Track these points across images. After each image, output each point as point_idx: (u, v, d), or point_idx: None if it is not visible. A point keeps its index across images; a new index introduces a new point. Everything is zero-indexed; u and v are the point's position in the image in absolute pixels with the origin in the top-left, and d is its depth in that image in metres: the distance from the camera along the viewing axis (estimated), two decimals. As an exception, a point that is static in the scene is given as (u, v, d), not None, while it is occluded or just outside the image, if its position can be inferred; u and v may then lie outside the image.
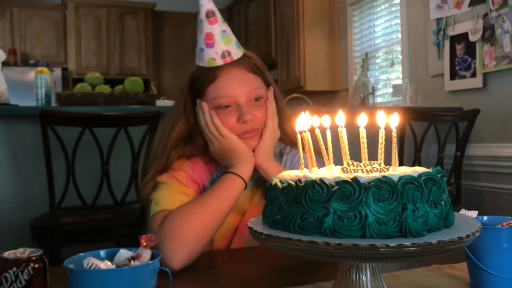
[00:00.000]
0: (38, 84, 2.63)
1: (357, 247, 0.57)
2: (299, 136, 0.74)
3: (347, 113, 0.71)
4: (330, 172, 0.67)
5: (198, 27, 1.12)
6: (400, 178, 0.61)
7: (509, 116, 2.85)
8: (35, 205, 2.19)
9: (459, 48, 3.14)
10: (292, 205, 0.64)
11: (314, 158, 0.72)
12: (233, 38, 1.12)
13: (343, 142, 0.69)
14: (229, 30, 1.12)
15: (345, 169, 0.66)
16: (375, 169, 0.65)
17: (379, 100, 4.02)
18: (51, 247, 2.00)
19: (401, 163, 2.30)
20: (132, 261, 0.65)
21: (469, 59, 3.07)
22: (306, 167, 0.73)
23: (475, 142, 2.99)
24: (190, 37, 6.83)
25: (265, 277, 0.96)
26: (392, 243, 0.57)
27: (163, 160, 1.14)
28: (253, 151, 1.13)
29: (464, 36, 3.09)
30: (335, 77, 4.66)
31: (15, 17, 6.06)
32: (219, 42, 1.10)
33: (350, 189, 0.60)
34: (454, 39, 3.18)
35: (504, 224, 0.80)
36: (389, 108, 2.99)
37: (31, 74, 5.57)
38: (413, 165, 2.58)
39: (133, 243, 2.23)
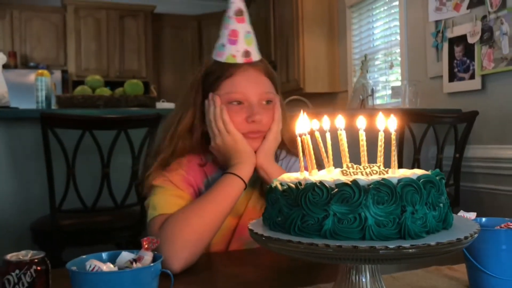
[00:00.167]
0: (39, 86, 2.64)
1: (357, 249, 0.58)
2: (298, 139, 0.74)
3: (346, 116, 0.72)
4: (330, 175, 0.68)
5: (224, 23, 1.14)
6: (399, 180, 0.61)
7: (507, 118, 2.86)
8: (36, 208, 2.19)
9: (458, 50, 3.16)
10: (292, 207, 0.65)
11: (314, 161, 0.73)
12: (254, 40, 1.15)
13: (342, 145, 0.70)
14: (252, 32, 1.15)
15: (344, 171, 0.67)
16: (374, 172, 0.66)
17: (378, 102, 4.03)
18: (51, 249, 2.00)
19: (400, 165, 2.31)
20: (134, 263, 0.65)
21: (468, 61, 3.08)
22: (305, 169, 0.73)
23: (474, 143, 3.00)
24: (190, 39, 6.85)
25: (265, 279, 0.96)
26: (391, 245, 0.58)
27: (170, 150, 1.14)
28: (255, 152, 1.14)
29: (462, 38, 3.10)
30: (334, 79, 4.67)
31: (15, 19, 6.07)
32: (242, 41, 1.12)
33: (349, 191, 0.61)
34: (453, 41, 3.19)
35: (502, 225, 0.81)
36: (388, 110, 3.00)
37: (31, 76, 5.58)
38: (412, 167, 2.59)
39: (133, 245, 2.23)
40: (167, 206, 1.07)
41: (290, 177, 0.70)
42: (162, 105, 3.20)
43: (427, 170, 0.69)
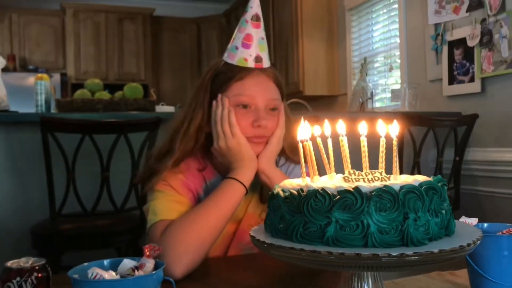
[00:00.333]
0: (38, 90, 2.64)
1: (360, 256, 0.58)
2: (300, 145, 0.74)
3: (347, 120, 0.72)
4: (332, 181, 0.68)
5: (240, 26, 1.15)
6: (402, 187, 0.61)
7: (507, 120, 2.86)
8: (35, 212, 2.19)
9: (457, 53, 3.16)
10: (295, 214, 0.65)
11: (316, 167, 0.73)
12: (267, 48, 1.17)
13: (344, 151, 0.70)
14: (265, 39, 1.16)
15: (346, 178, 0.67)
16: (376, 178, 0.66)
17: (377, 104, 4.04)
18: (51, 253, 2.00)
19: (400, 168, 2.31)
20: (136, 270, 0.65)
21: (467, 64, 3.08)
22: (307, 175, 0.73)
23: (474, 146, 3.00)
24: (188, 42, 6.85)
25: (266, 284, 0.96)
26: (394, 252, 0.58)
27: (182, 151, 1.13)
28: (257, 156, 1.13)
29: (462, 41, 3.11)
30: (334, 82, 4.67)
31: (14, 22, 6.07)
32: (256, 46, 1.13)
33: (352, 198, 0.61)
34: (452, 44, 3.20)
35: (504, 231, 0.81)
36: (388, 114, 3.00)
37: (30, 79, 5.58)
38: (412, 170, 2.59)
39: (133, 250, 2.22)
40: (168, 212, 1.07)
41: (292, 184, 0.70)
42: (161, 108, 3.20)
43: (427, 173, 0.69)
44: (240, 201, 1.09)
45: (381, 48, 4.14)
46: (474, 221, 0.80)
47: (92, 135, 1.98)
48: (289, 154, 1.22)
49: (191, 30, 6.88)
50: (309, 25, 4.63)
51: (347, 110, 4.01)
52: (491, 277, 0.78)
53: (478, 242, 0.64)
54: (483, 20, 2.95)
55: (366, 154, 0.69)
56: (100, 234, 2.11)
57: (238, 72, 1.13)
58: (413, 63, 3.65)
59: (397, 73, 3.89)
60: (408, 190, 0.61)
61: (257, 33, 1.14)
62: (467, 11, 3.08)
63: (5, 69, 4.51)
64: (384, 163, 0.68)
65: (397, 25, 3.84)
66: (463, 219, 0.80)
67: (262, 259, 1.08)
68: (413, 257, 0.58)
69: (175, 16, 6.82)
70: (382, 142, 0.68)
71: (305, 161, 0.74)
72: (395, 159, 0.68)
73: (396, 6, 3.87)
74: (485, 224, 0.85)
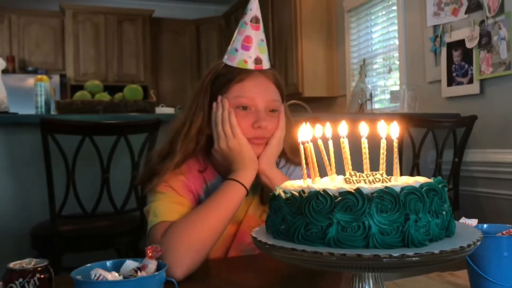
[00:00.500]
0: (38, 92, 2.64)
1: (361, 257, 0.58)
2: (301, 147, 0.75)
3: (346, 121, 0.72)
4: (333, 183, 0.68)
5: (239, 28, 1.16)
6: (402, 188, 0.62)
7: (506, 122, 2.87)
8: (35, 213, 2.19)
9: (456, 54, 3.17)
10: (296, 215, 0.65)
11: (317, 169, 0.73)
12: (266, 49, 1.18)
13: (345, 152, 0.70)
14: (265, 41, 1.17)
15: (347, 179, 0.67)
16: (377, 180, 0.66)
17: (377, 106, 4.04)
18: (51, 255, 2.00)
19: (399, 170, 2.31)
20: (138, 271, 0.65)
21: (466, 66, 3.09)
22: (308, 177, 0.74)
23: (473, 148, 3.01)
24: (188, 44, 6.86)
25: (268, 286, 0.97)
26: (395, 253, 0.58)
27: (183, 153, 1.14)
28: (257, 157, 1.14)
29: (461, 43, 3.12)
30: (333, 83, 4.68)
31: (13, 24, 6.07)
32: (256, 48, 1.14)
33: (353, 200, 0.61)
34: (451, 46, 3.20)
35: (504, 232, 0.81)
36: (387, 115, 3.00)
37: (29, 81, 5.58)
38: (412, 172, 2.60)
39: (133, 251, 2.22)
40: (169, 213, 1.07)
41: (293, 185, 0.70)
42: (161, 110, 3.21)
43: (426, 174, 0.70)
44: (241, 203, 1.10)
45: (380, 49, 4.15)
46: (474, 222, 0.81)
47: (92, 136, 1.99)
48: (290, 156, 1.22)
49: (190, 31, 6.89)
50: (308, 27, 4.64)
51: (346, 112, 4.02)
52: (491, 277, 0.79)
53: (479, 243, 0.64)
54: (482, 22, 2.96)
55: (367, 155, 0.70)
56: (100, 236, 2.11)
57: (238, 74, 1.14)
58: (412, 65, 3.65)
59: (396, 75, 3.90)
60: (409, 191, 0.62)
61: (257, 35, 1.15)
62: (465, 13, 3.09)
63: (4, 71, 4.51)
64: (384, 164, 0.68)
65: (396, 27, 3.85)
66: (463, 220, 0.80)
67: (263, 260, 1.09)
68: (414, 258, 0.58)
69: (175, 18, 6.82)
70: (383, 143, 0.68)
71: (306, 163, 0.74)
72: (396, 161, 0.69)
73: (395, 7, 3.88)
74: (485, 225, 0.85)
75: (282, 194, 0.69)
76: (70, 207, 2.01)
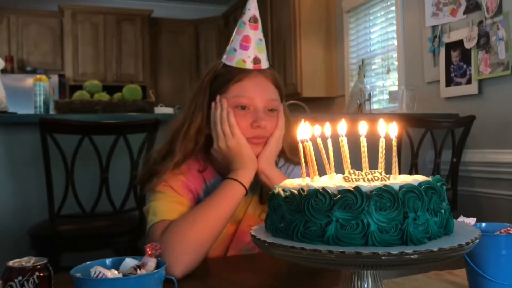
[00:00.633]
0: (37, 91, 2.64)
1: (360, 255, 0.58)
2: (300, 146, 0.75)
3: (345, 121, 0.73)
4: (332, 181, 0.69)
5: (238, 28, 1.16)
6: (401, 187, 0.62)
7: (504, 122, 2.87)
8: (34, 213, 2.19)
9: (455, 55, 3.17)
10: (295, 213, 0.65)
11: (316, 167, 0.73)
12: (265, 49, 1.18)
13: (344, 151, 0.70)
14: (263, 41, 1.17)
15: (346, 178, 0.68)
16: (376, 178, 0.66)
17: (375, 106, 4.05)
18: (50, 254, 1.99)
19: (398, 170, 2.32)
20: (138, 269, 0.65)
21: (465, 66, 3.10)
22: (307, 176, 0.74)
23: (471, 148, 3.01)
24: (187, 44, 6.86)
25: (265, 285, 0.97)
26: (394, 251, 0.59)
27: (182, 153, 1.14)
28: (257, 157, 1.14)
29: (459, 43, 3.12)
30: (331, 84, 4.69)
31: (12, 24, 6.07)
32: (254, 48, 1.14)
33: (352, 198, 0.61)
34: (450, 46, 3.21)
35: (502, 231, 0.81)
36: (386, 115, 3.01)
37: (28, 81, 5.58)
38: (410, 172, 2.60)
39: (132, 251, 2.22)
40: (168, 212, 1.07)
41: (292, 184, 0.71)
42: (160, 109, 3.21)
43: (425, 174, 0.70)
44: (240, 202, 1.10)
45: (378, 50, 4.15)
46: (472, 220, 0.81)
47: (91, 136, 1.99)
48: (289, 155, 1.22)
49: (189, 31, 6.89)
50: (307, 27, 4.64)
51: (345, 112, 4.02)
52: (489, 276, 0.79)
53: (477, 241, 0.64)
54: (480, 22, 2.96)
55: (366, 154, 0.70)
56: (99, 235, 2.11)
57: (236, 74, 1.14)
58: (410, 65, 3.66)
59: (394, 75, 3.91)
60: (408, 189, 0.62)
61: (255, 35, 1.15)
62: (464, 13, 3.10)
63: (3, 71, 4.51)
64: (383, 163, 0.69)
65: (394, 27, 3.86)
66: (462, 218, 0.81)
67: (262, 259, 1.09)
68: (412, 256, 0.58)
69: (174, 18, 6.83)
70: (382, 142, 0.69)
71: (305, 161, 0.74)
72: (394, 159, 0.69)
73: (393, 8, 3.88)
74: (483, 224, 0.86)
75: (281, 193, 0.69)
76: (69, 206, 2.01)
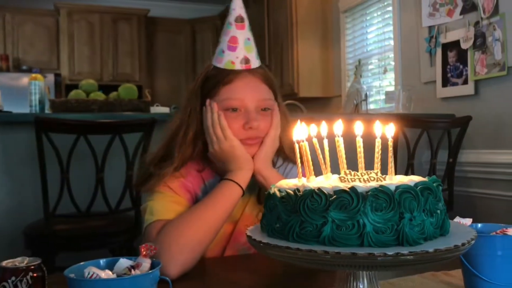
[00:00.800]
0: (32, 90, 2.63)
1: (356, 255, 0.58)
2: (296, 146, 0.75)
3: (342, 121, 0.72)
4: (328, 181, 0.68)
5: (224, 29, 1.15)
6: (397, 187, 0.62)
7: (500, 123, 2.88)
8: (29, 212, 2.18)
9: (451, 55, 3.18)
10: (291, 214, 0.65)
11: (312, 167, 0.73)
12: (254, 48, 1.16)
13: (340, 151, 0.70)
14: (252, 39, 1.15)
15: (342, 178, 0.67)
16: (372, 178, 0.66)
17: (372, 106, 4.05)
18: (44, 254, 1.99)
19: (394, 170, 2.32)
20: (132, 270, 0.65)
21: (461, 67, 3.10)
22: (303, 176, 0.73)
23: (467, 148, 3.02)
24: (183, 43, 6.85)
25: (262, 285, 0.97)
26: (390, 251, 0.58)
27: (180, 159, 1.13)
28: (252, 157, 1.14)
29: (456, 44, 3.13)
30: (328, 84, 4.69)
31: (7, 22, 6.04)
32: (242, 48, 1.13)
33: (348, 198, 0.61)
34: (446, 47, 3.22)
35: (498, 231, 0.81)
36: (382, 115, 3.01)
37: (23, 80, 5.55)
38: (406, 172, 2.60)
39: (127, 251, 2.22)
40: (165, 212, 1.07)
41: (288, 184, 0.70)
42: (156, 109, 3.20)
43: (421, 174, 0.70)
44: (237, 202, 1.10)
45: (375, 50, 4.15)
46: (468, 221, 0.81)
47: (87, 135, 1.98)
48: (289, 154, 1.21)
49: (186, 31, 6.88)
50: (303, 27, 4.64)
51: (342, 112, 4.02)
52: (485, 277, 0.79)
53: (473, 241, 0.64)
54: (477, 23, 2.97)
55: (362, 154, 0.70)
56: (94, 235, 2.11)
57: (226, 76, 1.13)
58: (407, 65, 3.66)
59: (391, 75, 3.91)
60: (404, 190, 0.62)
61: (242, 35, 1.13)
62: (460, 14, 3.10)
63: (-2, 69, 4.49)
64: (379, 163, 0.68)
65: (391, 27, 3.86)
66: (458, 219, 0.81)
67: (259, 259, 1.09)
68: (408, 257, 0.58)
69: (170, 17, 6.81)
70: (378, 143, 0.68)
71: (301, 162, 0.74)
72: (390, 160, 0.69)
73: (390, 8, 3.89)
74: (479, 225, 0.85)
75: (277, 193, 0.69)
76: (64, 206, 2.00)
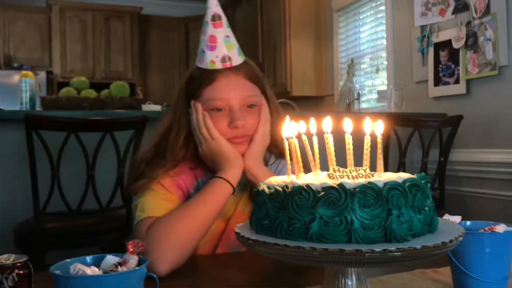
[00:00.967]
0: (23, 88, 2.61)
1: (343, 252, 0.58)
2: (286, 143, 0.74)
3: (333, 119, 0.72)
4: (317, 178, 0.68)
5: (202, 29, 1.13)
6: (385, 184, 0.62)
7: (491, 122, 2.90)
8: (19, 210, 2.16)
9: (443, 55, 3.19)
10: (279, 210, 0.65)
11: (301, 164, 0.73)
12: (235, 44, 1.14)
13: (329, 148, 0.70)
14: (232, 36, 1.14)
15: (331, 175, 0.67)
16: (360, 175, 0.66)
17: (364, 105, 4.06)
18: (35, 252, 1.97)
19: (386, 168, 2.32)
20: (119, 267, 0.64)
21: (453, 66, 3.12)
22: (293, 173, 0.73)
23: (459, 147, 3.03)
24: (176, 42, 6.83)
25: (252, 282, 0.96)
26: (377, 248, 0.58)
27: (173, 162, 1.13)
28: (242, 155, 1.13)
29: (448, 43, 3.14)
30: (321, 83, 4.69)
31: (-2, 19, 6.00)
32: (221, 46, 1.11)
33: (336, 195, 0.61)
34: (438, 46, 3.23)
35: (486, 229, 0.82)
36: (374, 114, 3.02)
37: (14, 77, 5.51)
38: (398, 170, 2.61)
39: (118, 249, 2.22)
40: (156, 209, 1.06)
41: (277, 181, 0.70)
42: (148, 107, 3.19)
43: (412, 173, 0.70)
44: (227, 200, 1.09)
45: (368, 49, 4.16)
46: (457, 218, 0.81)
47: (78, 133, 1.96)
48: (282, 151, 1.20)
49: (179, 29, 6.86)
50: (297, 26, 4.65)
51: (334, 111, 4.03)
52: (473, 274, 0.79)
53: (461, 238, 0.64)
54: (468, 22, 2.98)
55: (351, 151, 0.70)
56: (85, 233, 2.10)
57: (208, 76, 1.12)
58: (399, 65, 3.67)
59: (383, 75, 3.92)
60: (392, 186, 0.61)
61: (220, 33, 1.12)
62: (452, 14, 3.12)
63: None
64: (368, 160, 0.68)
65: (384, 27, 3.87)
66: (447, 216, 0.81)
67: (250, 257, 1.08)
68: (396, 253, 0.58)
69: (163, 15, 6.79)
70: (367, 139, 0.68)
71: (291, 159, 0.74)
72: (380, 156, 0.69)
73: (383, 7, 3.89)
74: (468, 222, 0.86)
75: (266, 190, 0.69)
76: (55, 204, 1.99)
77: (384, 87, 3.75)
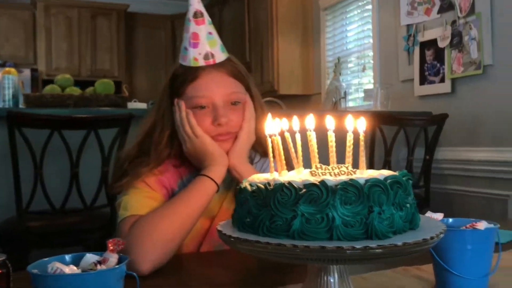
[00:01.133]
0: (5, 85, 2.58)
1: (324, 249, 0.58)
2: (269, 140, 0.74)
3: (317, 117, 0.72)
4: (299, 176, 0.68)
5: (185, 26, 1.13)
6: (367, 181, 0.62)
7: (476, 120, 2.92)
8: (2, 209, 2.13)
9: (429, 54, 3.21)
10: (261, 208, 0.65)
11: (284, 162, 0.73)
12: (218, 41, 1.13)
13: (312, 145, 0.70)
14: (215, 33, 1.13)
15: (313, 172, 0.67)
16: (342, 172, 0.66)
17: (350, 104, 4.08)
18: (18, 251, 1.95)
19: (371, 166, 2.33)
20: (98, 265, 0.63)
21: (438, 65, 3.14)
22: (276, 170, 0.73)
23: (444, 146, 3.05)
24: (163, 39, 6.79)
25: (236, 281, 0.96)
26: (358, 245, 0.58)
27: (158, 161, 1.12)
28: (227, 153, 1.13)
29: (433, 42, 3.17)
30: (308, 81, 4.70)
31: (-18, 16, 5.91)
32: (204, 43, 1.11)
33: (317, 192, 0.61)
34: (424, 45, 3.25)
35: (468, 226, 0.82)
36: (359, 113, 3.03)
37: (-2, 74, 5.43)
38: (383, 169, 2.62)
39: (102, 247, 2.20)
40: (139, 207, 1.05)
41: (259, 178, 0.70)
42: (134, 105, 3.16)
43: (397, 171, 0.70)
44: (211, 198, 1.09)
45: (354, 48, 4.18)
46: (439, 216, 0.81)
47: (61, 130, 1.94)
48: (266, 149, 1.20)
49: (165, 27, 6.82)
50: (284, 25, 4.65)
51: (321, 109, 4.04)
52: (455, 270, 0.79)
53: (442, 235, 0.65)
54: (454, 22, 3.01)
55: (334, 149, 0.70)
56: (69, 232, 2.08)
57: (191, 74, 1.11)
58: (385, 64, 3.69)
59: (370, 73, 3.94)
60: (373, 183, 0.61)
61: (203, 30, 1.11)
62: (438, 13, 3.14)
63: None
64: (351, 158, 0.68)
65: (370, 26, 3.89)
66: (429, 214, 0.81)
67: (235, 255, 1.08)
68: (377, 250, 0.58)
69: (150, 13, 6.74)
70: (349, 137, 0.68)
71: (274, 156, 0.73)
72: (362, 154, 0.69)
73: (369, 6, 3.91)
74: (450, 219, 0.86)
75: (248, 187, 0.68)
76: (38, 202, 1.96)
77: (371, 86, 3.77)
